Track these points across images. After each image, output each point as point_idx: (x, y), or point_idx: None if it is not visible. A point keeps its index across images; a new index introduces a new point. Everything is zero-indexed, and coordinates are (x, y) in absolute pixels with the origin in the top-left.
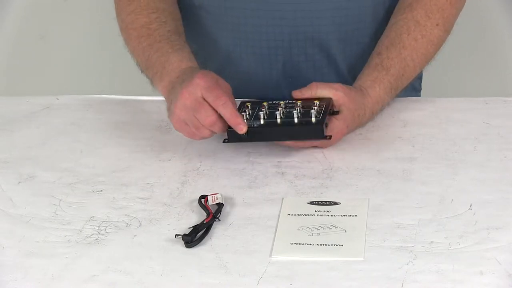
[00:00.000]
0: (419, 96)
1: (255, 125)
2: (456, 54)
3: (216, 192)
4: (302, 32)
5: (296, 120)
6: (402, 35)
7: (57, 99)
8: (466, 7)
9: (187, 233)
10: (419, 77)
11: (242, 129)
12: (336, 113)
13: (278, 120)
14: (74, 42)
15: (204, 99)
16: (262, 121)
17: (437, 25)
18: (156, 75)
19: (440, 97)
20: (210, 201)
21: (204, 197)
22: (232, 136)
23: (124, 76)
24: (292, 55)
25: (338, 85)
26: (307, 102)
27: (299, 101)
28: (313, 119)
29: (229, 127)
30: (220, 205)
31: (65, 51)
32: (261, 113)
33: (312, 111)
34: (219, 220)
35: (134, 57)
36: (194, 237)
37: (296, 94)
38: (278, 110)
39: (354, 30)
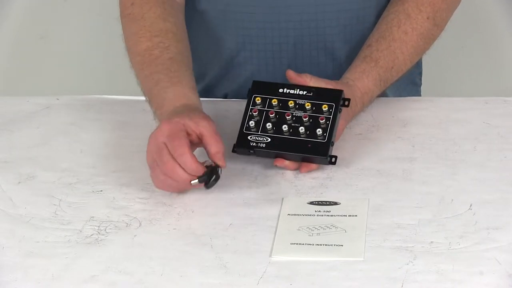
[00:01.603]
0: (420, 91)
1: (261, 146)
2: (456, 54)
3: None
4: (307, 34)
5: (302, 136)
6: (393, 27)
7: (57, 99)
8: (466, 7)
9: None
10: (419, 72)
11: (192, 183)
12: (348, 102)
13: (284, 135)
14: (74, 42)
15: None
16: (268, 138)
17: (427, 18)
18: (156, 112)
19: (440, 97)
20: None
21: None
22: (240, 151)
23: (124, 76)
24: (296, 58)
25: (328, 80)
26: (316, 103)
27: (308, 104)
28: (320, 139)
29: (236, 144)
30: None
31: (65, 51)
32: (268, 124)
33: (319, 130)
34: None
35: (137, 81)
36: (210, 177)
37: (290, 75)
38: (285, 122)
39: (358, 31)
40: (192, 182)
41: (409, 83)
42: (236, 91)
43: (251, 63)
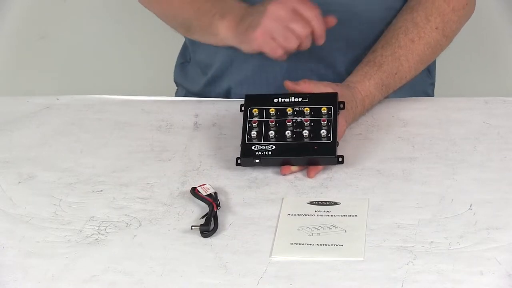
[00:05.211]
0: None
1: (267, 154)
2: (457, 54)
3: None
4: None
5: (306, 140)
6: (399, 35)
7: (57, 99)
8: None
9: (202, 223)
10: (431, 83)
11: (321, 42)
12: (343, 105)
13: (288, 141)
14: (74, 42)
15: (297, 11)
16: (273, 146)
17: (436, 28)
18: (215, 17)
19: (440, 97)
20: (202, 192)
21: (194, 189)
22: (245, 162)
23: (124, 76)
24: (296, 62)
25: (326, 83)
26: (315, 107)
27: (307, 109)
28: (324, 140)
29: (241, 155)
30: (215, 194)
31: (65, 51)
32: (271, 132)
33: (323, 131)
34: (220, 207)
35: (175, 19)
36: (210, 227)
37: (288, 85)
38: (287, 129)
39: (360, 45)
40: (193, 227)
41: (421, 94)
42: (233, 93)
43: (248, 67)
